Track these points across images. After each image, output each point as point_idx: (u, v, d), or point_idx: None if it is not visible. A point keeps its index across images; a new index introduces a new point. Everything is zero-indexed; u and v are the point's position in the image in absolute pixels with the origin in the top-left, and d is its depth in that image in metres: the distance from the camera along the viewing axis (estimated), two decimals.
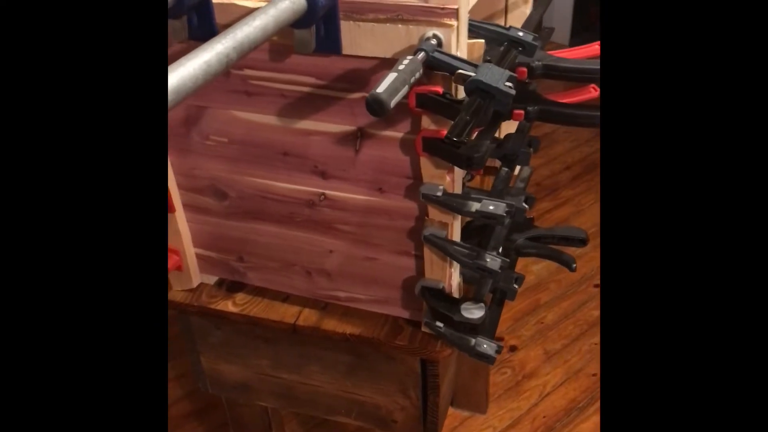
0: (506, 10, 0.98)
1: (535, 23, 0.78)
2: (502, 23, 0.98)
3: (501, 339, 1.68)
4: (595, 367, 1.60)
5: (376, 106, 0.52)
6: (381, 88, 0.52)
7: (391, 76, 0.54)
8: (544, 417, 1.50)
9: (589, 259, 1.88)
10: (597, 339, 1.66)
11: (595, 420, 1.48)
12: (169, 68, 0.45)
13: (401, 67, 0.56)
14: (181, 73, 0.45)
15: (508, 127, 0.83)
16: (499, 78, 0.56)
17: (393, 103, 0.53)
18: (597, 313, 1.74)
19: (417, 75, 0.56)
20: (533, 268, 1.85)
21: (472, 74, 0.57)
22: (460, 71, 0.57)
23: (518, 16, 0.97)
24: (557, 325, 1.72)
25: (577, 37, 2.92)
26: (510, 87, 0.56)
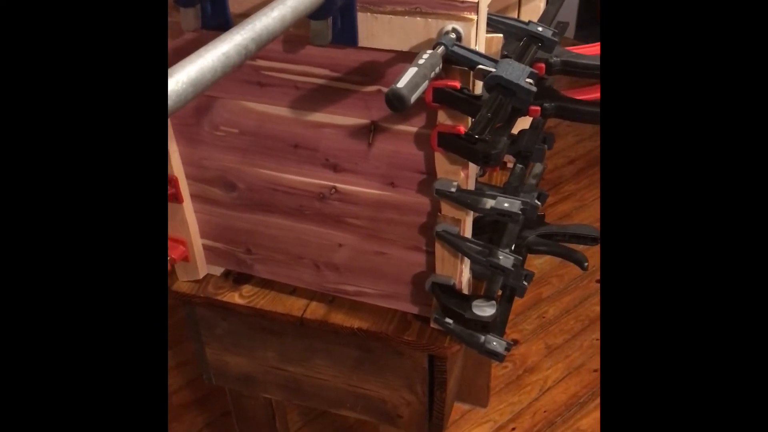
0: (520, 3, 0.96)
1: (551, 18, 0.77)
2: (515, 16, 0.97)
3: None
4: (597, 363, 1.60)
5: (396, 101, 0.51)
6: (401, 83, 0.51)
7: (411, 71, 0.53)
8: (544, 412, 1.50)
9: (591, 255, 1.86)
10: (598, 335, 1.66)
11: (596, 416, 1.48)
12: (188, 60, 0.44)
13: (421, 61, 0.55)
14: (201, 65, 0.44)
15: (521, 123, 0.82)
16: (520, 74, 0.55)
17: (413, 99, 0.52)
18: (598, 308, 1.73)
19: (437, 70, 0.55)
20: (536, 263, 1.85)
21: (493, 70, 0.56)
22: (480, 66, 0.56)
23: (532, 9, 0.96)
24: (558, 320, 1.72)
25: (584, 30, 2.90)
26: (531, 84, 0.55)
